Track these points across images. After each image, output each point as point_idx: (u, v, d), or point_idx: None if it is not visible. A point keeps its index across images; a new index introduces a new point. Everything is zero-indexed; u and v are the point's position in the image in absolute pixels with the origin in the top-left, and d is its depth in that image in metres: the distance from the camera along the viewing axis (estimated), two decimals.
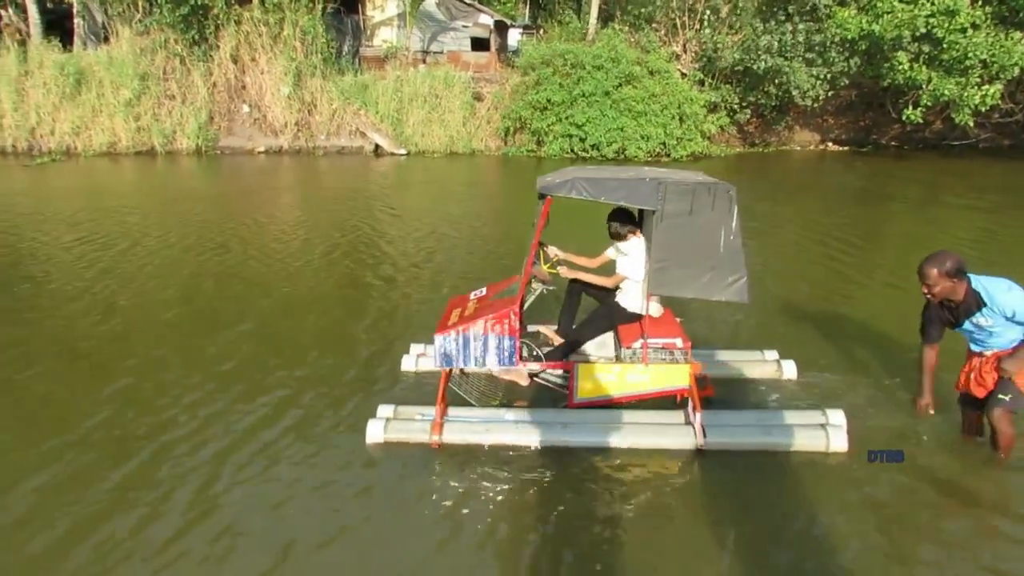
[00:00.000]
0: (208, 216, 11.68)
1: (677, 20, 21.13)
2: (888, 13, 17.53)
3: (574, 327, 5.02)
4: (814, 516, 3.73)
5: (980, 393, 4.15)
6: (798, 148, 23.01)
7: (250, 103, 20.98)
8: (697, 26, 21.06)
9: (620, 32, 20.53)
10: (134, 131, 19.75)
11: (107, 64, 19.84)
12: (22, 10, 21.25)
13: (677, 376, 4.48)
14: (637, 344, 4.51)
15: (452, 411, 4.61)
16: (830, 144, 23.32)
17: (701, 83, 20.86)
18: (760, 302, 7.04)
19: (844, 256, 9.18)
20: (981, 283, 3.89)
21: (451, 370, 4.64)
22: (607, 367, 4.58)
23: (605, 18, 25.29)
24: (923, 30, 17.34)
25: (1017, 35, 17.18)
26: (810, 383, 5.25)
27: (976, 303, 3.90)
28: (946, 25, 17.18)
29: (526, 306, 4.92)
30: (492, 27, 25.08)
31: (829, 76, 19.35)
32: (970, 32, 17.17)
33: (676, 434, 4.37)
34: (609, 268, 4.89)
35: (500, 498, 3.91)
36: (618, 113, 19.23)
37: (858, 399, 5.01)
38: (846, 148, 22.93)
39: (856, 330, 6.40)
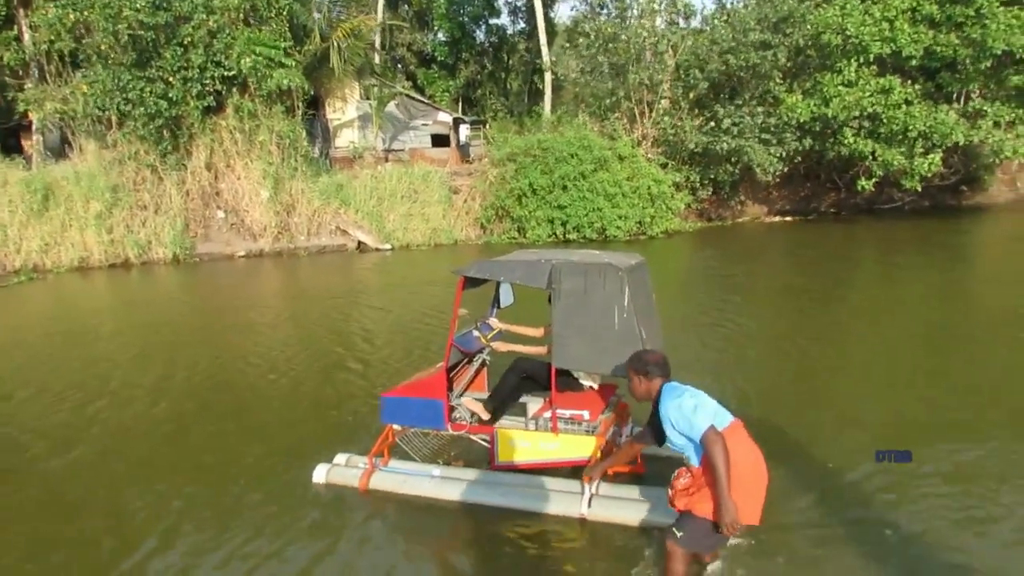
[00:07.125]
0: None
1: (636, 110, 22.71)
2: (836, 97, 19.61)
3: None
4: None
5: None
6: (748, 220, 24.78)
7: (226, 209, 20.69)
8: (654, 116, 22.69)
9: (586, 123, 21.87)
10: (107, 243, 18.95)
11: (75, 179, 19.17)
12: None
13: (583, 447, 4.54)
14: (547, 414, 4.67)
15: (394, 463, 5.15)
16: (777, 216, 25.22)
17: (664, 166, 22.31)
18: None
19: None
20: (670, 386, 3.56)
21: (395, 427, 5.08)
22: (522, 434, 4.75)
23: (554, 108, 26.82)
24: (869, 110, 19.48)
25: (945, 107, 19.62)
26: None
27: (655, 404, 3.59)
28: (884, 102, 19.40)
29: (471, 375, 5.41)
30: (451, 124, 26.05)
31: (785, 155, 21.21)
32: (904, 107, 19.44)
33: (565, 502, 4.47)
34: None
35: (382, 540, 4.47)
36: (595, 195, 20.23)
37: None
38: (791, 218, 24.87)
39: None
